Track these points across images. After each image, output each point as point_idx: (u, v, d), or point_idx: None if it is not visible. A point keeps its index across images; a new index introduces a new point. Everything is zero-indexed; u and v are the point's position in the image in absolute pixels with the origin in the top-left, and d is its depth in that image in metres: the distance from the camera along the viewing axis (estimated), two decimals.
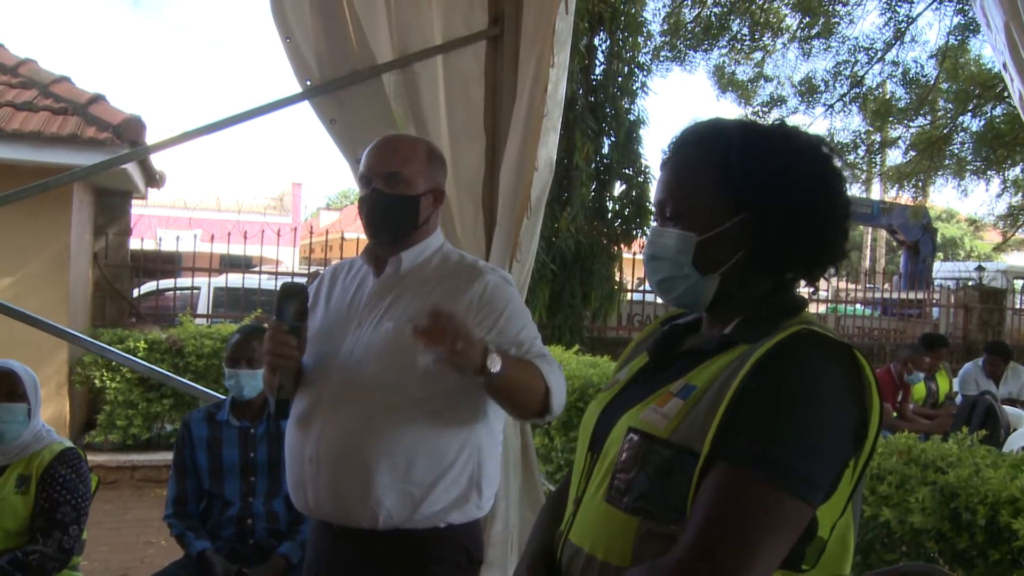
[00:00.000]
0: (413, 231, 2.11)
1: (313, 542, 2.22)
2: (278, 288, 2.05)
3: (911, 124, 15.93)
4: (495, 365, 1.81)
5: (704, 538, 1.10)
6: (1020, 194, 17.66)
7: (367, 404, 1.98)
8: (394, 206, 2.08)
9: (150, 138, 6.73)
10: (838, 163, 1.31)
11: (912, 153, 15.96)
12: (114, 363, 6.69)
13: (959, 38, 13.99)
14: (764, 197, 1.26)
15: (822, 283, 1.40)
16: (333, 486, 2.01)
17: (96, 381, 6.85)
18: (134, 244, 8.58)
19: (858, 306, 14.68)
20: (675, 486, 1.18)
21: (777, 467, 1.10)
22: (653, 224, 1.38)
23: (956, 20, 13.66)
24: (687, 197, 1.31)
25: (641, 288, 11.60)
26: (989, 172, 16.21)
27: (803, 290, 1.40)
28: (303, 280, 9.66)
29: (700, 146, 1.33)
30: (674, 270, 1.31)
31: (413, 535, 2.00)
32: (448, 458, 2.01)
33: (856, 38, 14.84)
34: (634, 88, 10.26)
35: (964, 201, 55.19)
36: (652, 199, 1.38)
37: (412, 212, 2.08)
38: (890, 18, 14.18)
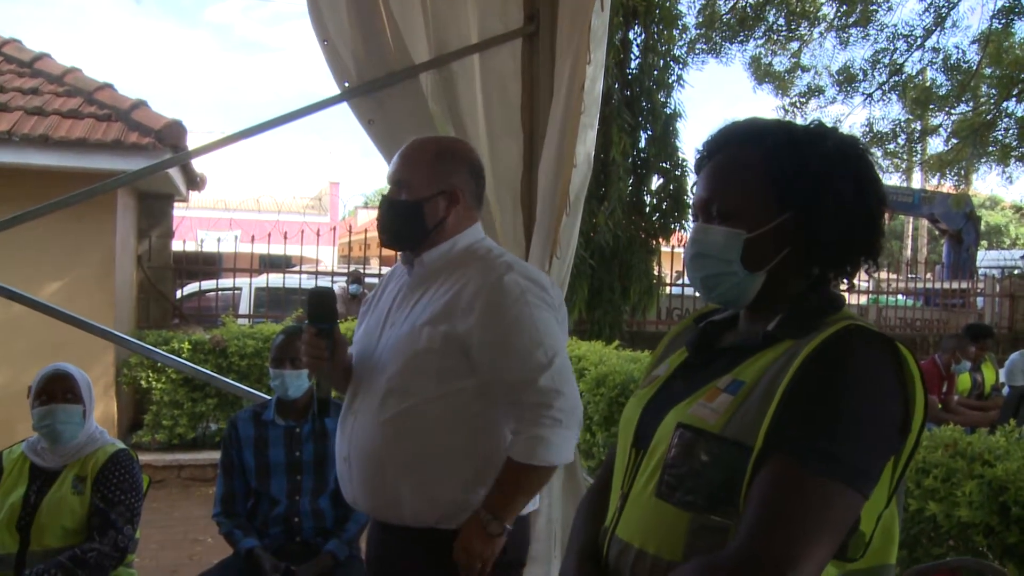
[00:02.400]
0: (426, 235, 2.10)
1: (368, 532, 2.28)
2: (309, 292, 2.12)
3: (952, 111, 15.62)
4: (497, 528, 1.96)
5: (760, 530, 1.12)
6: None
7: (382, 407, 2.01)
8: (395, 212, 2.11)
9: (190, 141, 6.84)
10: (872, 160, 1.33)
11: (954, 141, 15.67)
12: (159, 364, 6.80)
13: (1003, 21, 13.69)
14: (810, 195, 1.28)
15: (863, 274, 1.43)
16: (362, 483, 2.07)
17: (142, 382, 6.98)
18: (176, 246, 8.71)
19: (900, 296, 14.48)
20: (727, 480, 1.19)
21: (831, 459, 1.12)
22: (695, 222, 1.39)
23: (1000, 3, 13.39)
24: (734, 195, 1.32)
25: (680, 282, 11.55)
26: None
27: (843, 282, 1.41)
28: (342, 279, 9.75)
29: (743, 145, 1.34)
30: (721, 267, 1.32)
31: (446, 533, 2.02)
32: (468, 459, 2.01)
33: (895, 25, 14.58)
34: (670, 81, 10.18)
35: (1009, 188, 54.02)
36: (692, 198, 1.39)
37: (415, 217, 2.08)
38: (930, 4, 13.93)
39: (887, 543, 1.23)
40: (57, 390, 2.88)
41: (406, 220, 2.09)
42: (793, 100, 15.81)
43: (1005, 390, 7.24)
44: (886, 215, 1.34)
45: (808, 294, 1.33)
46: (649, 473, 1.31)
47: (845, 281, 1.38)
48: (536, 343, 1.96)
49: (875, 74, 14.97)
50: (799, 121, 1.40)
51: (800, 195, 1.28)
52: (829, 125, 1.37)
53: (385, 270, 10.89)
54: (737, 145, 1.35)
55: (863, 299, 13.55)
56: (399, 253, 2.25)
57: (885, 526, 1.22)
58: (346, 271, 10.38)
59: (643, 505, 1.31)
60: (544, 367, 1.96)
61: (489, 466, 2.02)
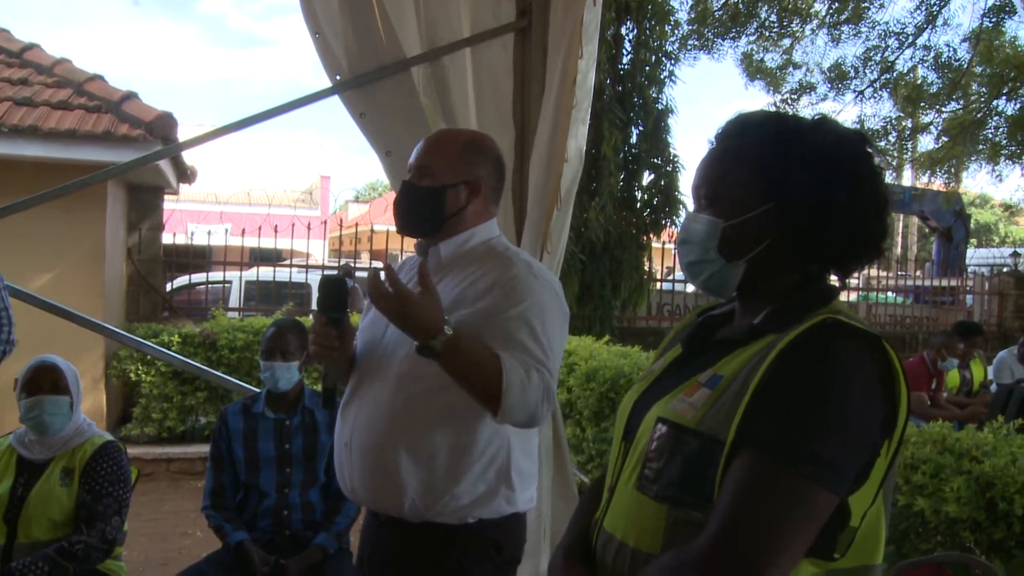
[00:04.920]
0: (443, 223, 2.08)
1: (363, 528, 2.26)
2: (309, 280, 2.08)
3: (943, 109, 15.70)
4: (437, 343, 1.77)
5: (728, 525, 1.12)
6: None
7: (393, 393, 1.99)
8: (415, 197, 2.08)
9: (181, 134, 6.81)
10: (877, 160, 1.31)
11: (944, 138, 15.74)
12: (149, 357, 6.78)
13: (993, 20, 13.78)
14: (792, 188, 1.27)
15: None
16: (363, 472, 2.04)
17: (132, 375, 6.95)
18: (166, 239, 8.67)
19: (890, 294, 14.54)
20: (703, 474, 1.19)
21: (798, 454, 1.11)
22: (690, 209, 1.40)
23: (991, 1, 13.46)
24: (719, 184, 1.34)
25: (671, 278, 11.57)
26: None
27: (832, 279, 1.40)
28: (332, 271, 9.74)
29: (739, 136, 1.35)
30: (701, 255, 1.34)
31: (443, 528, 2.01)
32: (474, 451, 2.00)
33: (887, 23, 14.70)
34: (662, 77, 10.18)
35: (998, 187, 54.17)
36: (690, 186, 1.41)
37: (434, 204, 2.06)
38: (922, 2, 14.00)
39: (873, 542, 1.22)
40: (44, 382, 2.88)
41: (425, 205, 2.07)
42: (784, 97, 15.88)
43: (993, 387, 7.28)
44: (886, 215, 1.31)
45: (799, 288, 1.32)
46: (632, 466, 1.32)
47: (838, 278, 1.37)
48: (542, 346, 1.95)
49: (866, 71, 15.05)
50: None
51: (783, 187, 1.28)
52: (831, 118, 1.36)
53: (376, 264, 10.90)
54: (735, 135, 1.36)
55: (853, 296, 13.60)
56: (409, 246, 2.23)
57: (870, 524, 1.20)
58: (337, 265, 10.36)
59: (626, 498, 1.32)
60: (543, 361, 1.94)
61: (493, 463, 2.02)
